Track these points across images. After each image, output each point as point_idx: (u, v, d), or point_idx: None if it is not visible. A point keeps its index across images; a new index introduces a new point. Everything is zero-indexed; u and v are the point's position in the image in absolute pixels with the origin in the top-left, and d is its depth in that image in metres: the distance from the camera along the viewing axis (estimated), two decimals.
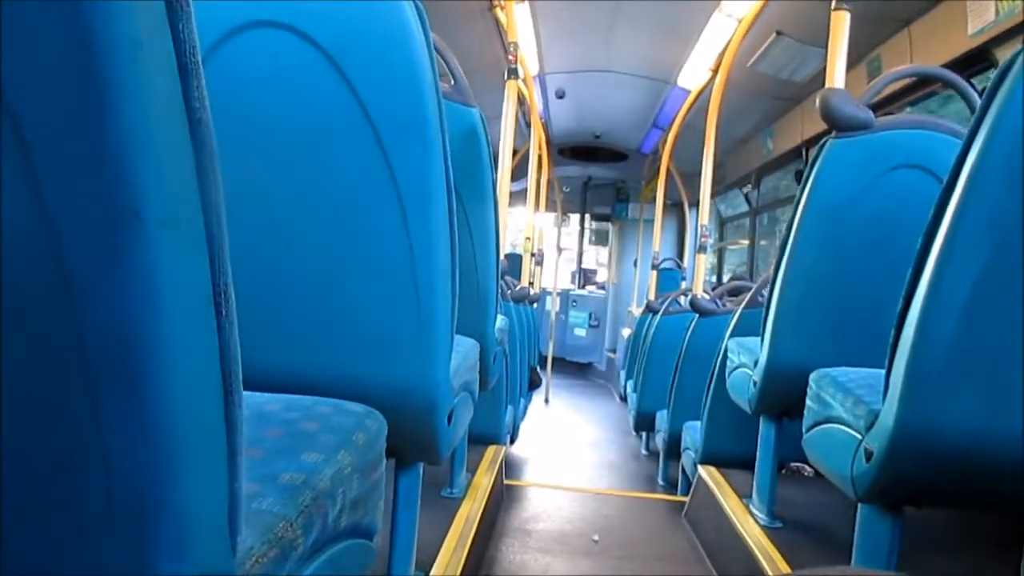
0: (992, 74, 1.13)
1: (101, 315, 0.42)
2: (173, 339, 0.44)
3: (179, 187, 0.44)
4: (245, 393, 0.92)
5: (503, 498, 2.85)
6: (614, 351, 9.34)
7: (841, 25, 2.19)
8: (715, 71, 4.55)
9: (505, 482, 2.96)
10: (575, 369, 9.73)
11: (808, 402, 1.61)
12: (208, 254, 0.47)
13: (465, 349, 1.63)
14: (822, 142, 1.88)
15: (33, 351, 0.41)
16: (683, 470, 3.42)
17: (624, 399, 6.39)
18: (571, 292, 10.06)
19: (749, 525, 2.13)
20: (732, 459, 2.74)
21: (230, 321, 0.50)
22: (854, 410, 1.35)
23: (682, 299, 4.80)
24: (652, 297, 6.16)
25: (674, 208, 8.79)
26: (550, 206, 8.75)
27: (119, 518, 0.45)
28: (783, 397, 2.03)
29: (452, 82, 1.91)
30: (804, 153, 5.31)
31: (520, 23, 4.45)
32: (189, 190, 0.45)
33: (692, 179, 5.92)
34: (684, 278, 7.71)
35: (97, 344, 0.42)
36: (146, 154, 0.41)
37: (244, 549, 0.57)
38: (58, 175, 0.39)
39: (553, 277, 9.11)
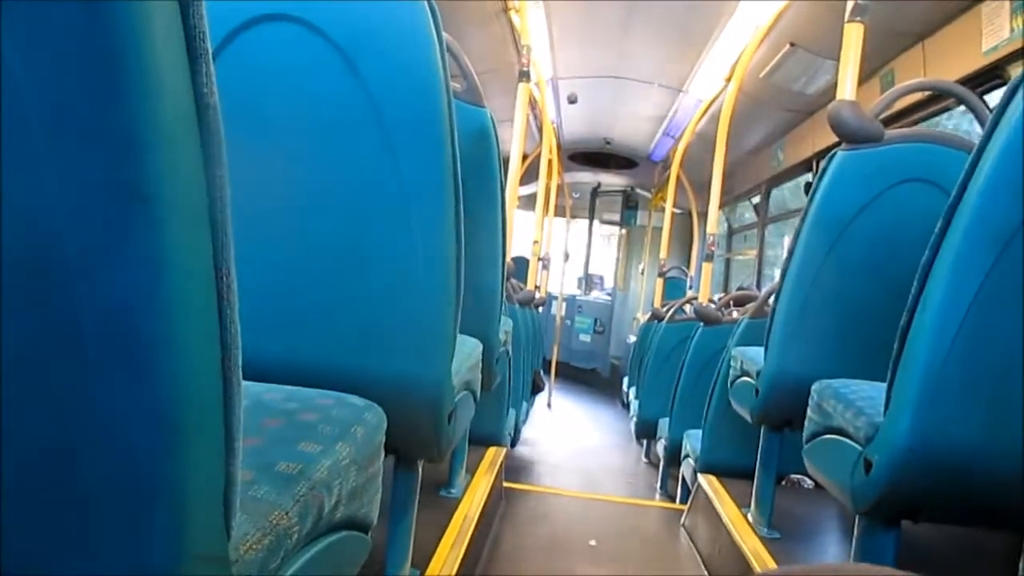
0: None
1: (102, 295, 0.42)
2: (174, 321, 0.45)
3: (184, 170, 0.44)
4: (247, 383, 0.92)
5: (502, 499, 2.85)
6: (619, 358, 9.33)
7: (855, 38, 2.18)
8: (728, 81, 4.55)
9: (504, 484, 2.96)
10: (579, 374, 9.71)
11: (809, 413, 1.60)
12: (211, 239, 0.47)
13: (468, 349, 1.63)
14: (831, 153, 1.87)
15: (32, 330, 0.42)
16: (683, 478, 3.42)
17: (626, 406, 6.38)
18: (577, 297, 10.04)
19: (747, 535, 2.13)
20: (732, 468, 2.74)
21: (231, 306, 0.50)
22: (855, 422, 1.35)
23: (687, 307, 4.79)
24: (658, 305, 6.15)
25: (683, 217, 8.78)
26: (559, 211, 8.74)
27: (114, 499, 0.45)
28: (785, 407, 2.03)
29: (464, 83, 1.91)
30: (814, 165, 5.30)
31: (534, 26, 4.45)
32: (195, 174, 0.45)
33: (702, 188, 5.92)
34: (691, 286, 7.69)
35: (96, 324, 0.42)
36: (152, 135, 0.41)
37: (238, 535, 0.58)
38: (62, 152, 0.40)
39: (559, 282, 9.10)
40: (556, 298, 8.82)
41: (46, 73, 0.39)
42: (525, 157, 5.01)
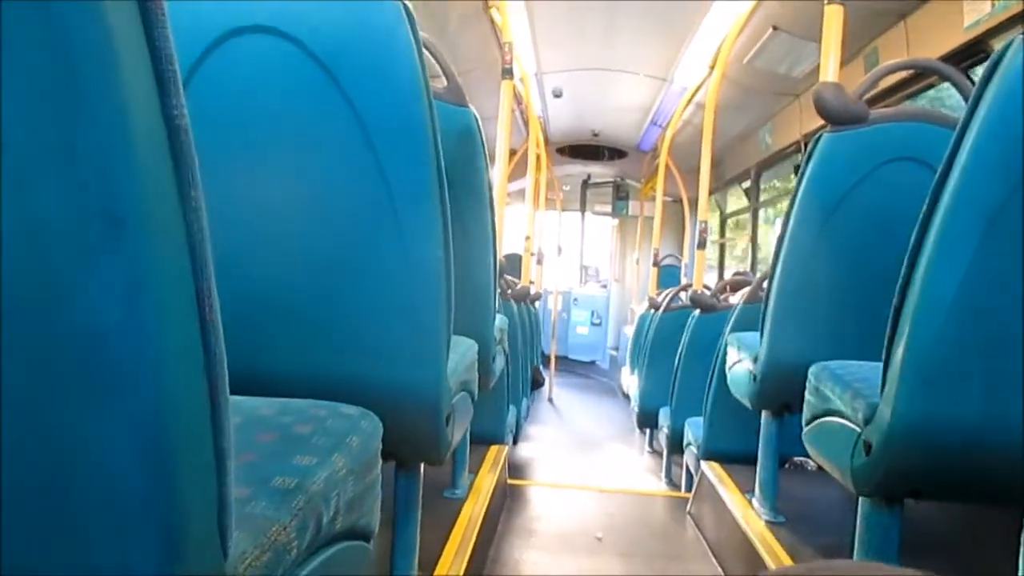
0: None
1: (82, 318, 0.42)
2: (156, 341, 0.44)
3: (158, 192, 0.44)
4: (239, 398, 0.92)
5: (506, 498, 2.85)
6: (617, 349, 9.33)
7: (835, 19, 2.18)
8: (712, 68, 4.54)
9: (508, 482, 2.96)
10: (578, 367, 9.72)
11: (807, 396, 1.60)
12: (190, 257, 0.47)
13: (463, 349, 1.62)
14: (817, 136, 1.87)
15: (16, 354, 0.41)
16: (686, 466, 3.42)
17: (627, 396, 6.38)
18: (573, 290, 10.05)
19: (752, 520, 2.13)
20: (735, 454, 2.74)
21: (215, 325, 0.50)
22: (852, 403, 1.35)
23: (683, 295, 4.79)
24: (653, 294, 6.15)
25: (675, 205, 8.78)
26: (550, 205, 8.74)
27: (106, 521, 0.45)
28: (783, 391, 2.03)
29: (447, 82, 1.90)
30: (803, 147, 5.30)
31: (515, 23, 4.44)
32: (168, 195, 0.45)
33: (692, 175, 5.91)
34: (685, 274, 7.69)
35: (79, 347, 0.42)
36: (123, 160, 0.41)
37: (236, 553, 0.57)
38: (33, 178, 0.39)
39: (554, 276, 9.09)
40: (551, 292, 8.82)
41: (11, 96, 0.38)
42: (513, 153, 5.00)
